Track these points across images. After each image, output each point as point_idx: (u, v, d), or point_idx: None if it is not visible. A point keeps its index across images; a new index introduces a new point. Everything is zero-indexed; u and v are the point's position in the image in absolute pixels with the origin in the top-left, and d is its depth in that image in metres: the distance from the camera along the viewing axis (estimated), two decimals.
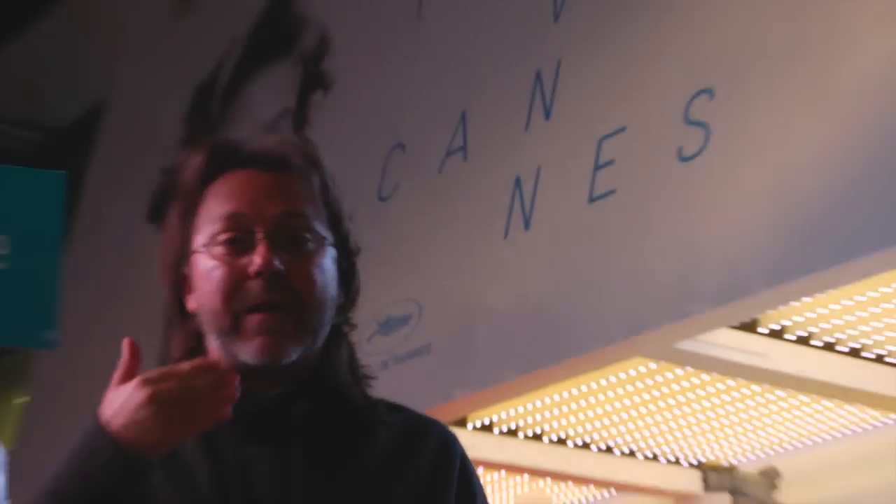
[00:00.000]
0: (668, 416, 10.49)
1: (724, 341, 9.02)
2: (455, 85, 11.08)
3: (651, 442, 10.99)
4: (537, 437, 10.63)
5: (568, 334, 9.19)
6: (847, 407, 10.03)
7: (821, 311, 8.83)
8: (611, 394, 10.08)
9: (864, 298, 8.61)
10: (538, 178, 9.80)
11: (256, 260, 2.37)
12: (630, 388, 9.98)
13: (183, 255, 2.52)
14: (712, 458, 11.13)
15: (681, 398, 10.19)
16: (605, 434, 10.85)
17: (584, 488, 11.55)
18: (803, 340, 9.18)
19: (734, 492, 10.90)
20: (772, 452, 10.94)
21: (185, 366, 2.32)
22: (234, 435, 2.40)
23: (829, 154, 7.95)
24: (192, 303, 2.55)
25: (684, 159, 8.79)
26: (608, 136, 9.36)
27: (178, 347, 2.59)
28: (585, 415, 10.54)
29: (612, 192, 9.20)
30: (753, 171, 8.35)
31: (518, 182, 9.87)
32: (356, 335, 2.70)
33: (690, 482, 11.23)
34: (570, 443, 10.88)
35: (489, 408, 10.13)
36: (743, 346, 9.11)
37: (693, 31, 9.24)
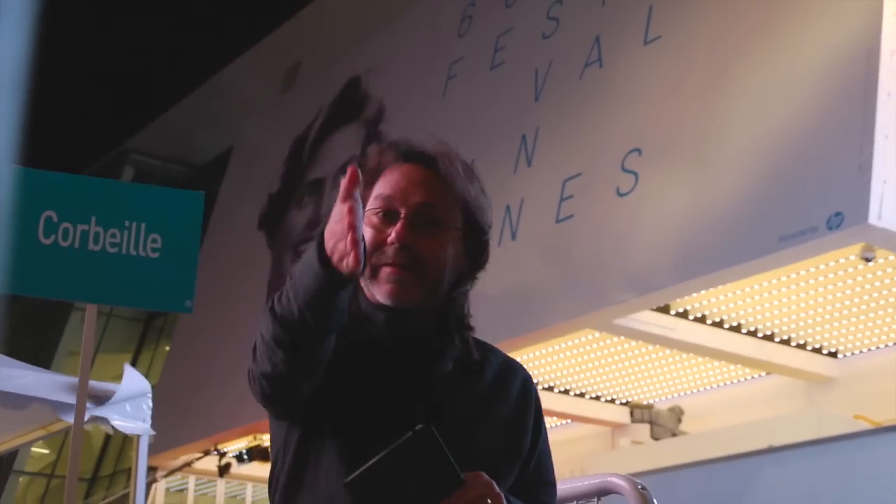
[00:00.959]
0: (607, 369, 10.50)
1: (646, 319, 9.06)
2: (468, 142, 11.11)
3: (594, 387, 11.01)
4: None
5: (540, 312, 9.25)
6: (729, 366, 10.06)
7: (712, 299, 8.86)
8: (568, 353, 10.11)
9: (740, 291, 8.65)
10: (522, 206, 9.87)
11: (393, 234, 2.24)
12: (581, 349, 10.01)
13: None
14: (637, 399, 11.13)
15: (616, 357, 10.21)
16: (564, 381, 10.87)
17: (550, 418, 11.55)
18: (700, 320, 9.22)
19: (651, 423, 10.84)
20: (678, 395, 10.93)
21: (337, 205, 2.15)
22: (392, 340, 2.26)
23: (715, 197, 8.01)
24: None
25: (621, 195, 8.85)
26: (570, 178, 9.43)
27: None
28: (551, 367, 10.58)
29: (571, 216, 9.27)
30: (666, 206, 8.42)
31: (508, 209, 9.93)
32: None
33: (621, 415, 11.24)
34: (539, 387, 10.89)
35: None
36: (659, 323, 9.15)
37: (628, 109, 9.30)
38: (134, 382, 5.46)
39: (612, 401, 11.24)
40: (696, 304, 9.00)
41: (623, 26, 9.79)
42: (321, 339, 2.11)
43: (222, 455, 13.50)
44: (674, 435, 10.55)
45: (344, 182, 2.03)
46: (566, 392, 11.05)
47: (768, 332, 9.33)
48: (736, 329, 9.30)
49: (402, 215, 2.25)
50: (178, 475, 14.91)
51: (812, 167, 7.38)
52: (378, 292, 2.23)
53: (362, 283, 2.28)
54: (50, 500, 19.14)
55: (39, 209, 3.20)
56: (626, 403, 11.20)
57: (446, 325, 2.30)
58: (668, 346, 9.55)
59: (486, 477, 2.04)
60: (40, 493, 20.09)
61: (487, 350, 2.38)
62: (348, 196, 1.99)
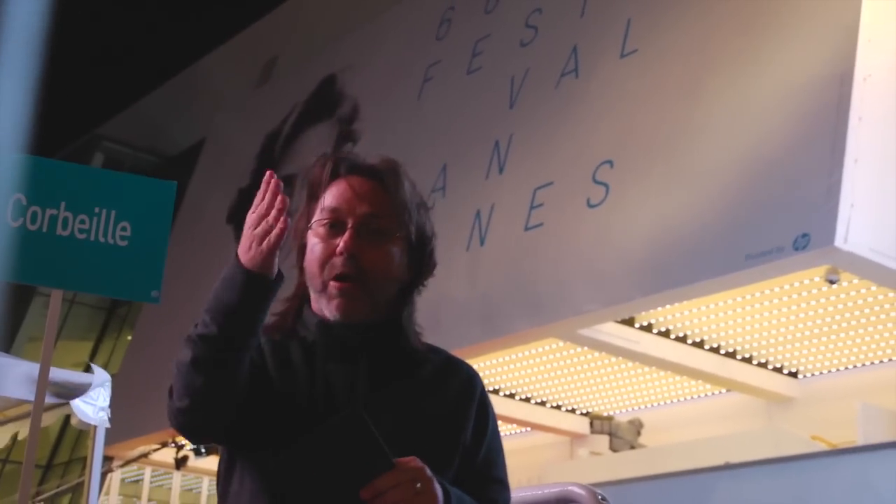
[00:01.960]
0: (569, 379, 10.52)
1: (610, 331, 9.09)
2: (441, 145, 11.13)
3: (555, 396, 11.04)
4: None
5: (504, 319, 9.25)
6: (690, 381, 10.11)
7: (676, 314, 8.91)
8: (532, 361, 10.13)
9: (704, 307, 8.70)
10: (492, 211, 9.87)
11: (341, 244, 2.28)
12: (544, 358, 10.04)
13: (304, 228, 2.43)
14: (597, 410, 11.16)
15: (578, 368, 10.24)
16: (525, 388, 10.89)
17: (510, 425, 11.57)
18: (664, 334, 9.27)
19: (611, 434, 10.85)
20: (638, 408, 10.96)
21: (264, 203, 2.29)
22: (323, 354, 2.30)
23: (684, 212, 8.04)
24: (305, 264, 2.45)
25: (591, 206, 8.88)
26: (540, 187, 9.45)
27: (293, 290, 2.49)
28: (513, 374, 10.58)
29: (541, 224, 9.29)
30: (636, 219, 8.45)
31: (478, 214, 9.94)
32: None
33: (581, 425, 11.25)
34: (501, 393, 10.94)
35: None
36: (623, 335, 9.17)
37: (602, 121, 9.33)
38: (95, 374, 5.45)
39: (573, 411, 11.26)
40: (661, 318, 9.04)
41: (601, 38, 9.83)
42: (238, 355, 2.18)
43: (180, 447, 13.43)
44: (633, 447, 10.58)
45: (270, 190, 2.16)
46: (527, 400, 11.07)
47: (731, 350, 9.38)
48: (699, 345, 9.35)
49: (350, 226, 2.34)
50: (135, 466, 14.83)
51: (781, 187, 7.43)
52: (327, 308, 2.31)
53: (312, 298, 2.35)
54: (3, 486, 18.98)
55: (8, 192, 3.19)
56: (587, 414, 11.22)
57: (387, 333, 2.37)
58: (630, 358, 9.59)
59: (419, 462, 2.09)
60: None
61: (431, 351, 2.44)
62: (274, 199, 2.19)
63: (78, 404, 5.40)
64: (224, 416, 2.26)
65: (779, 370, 9.63)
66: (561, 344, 9.55)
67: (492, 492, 2.32)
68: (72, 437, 19.29)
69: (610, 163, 8.82)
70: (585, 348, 9.56)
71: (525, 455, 11.29)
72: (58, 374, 5.19)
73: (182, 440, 13.32)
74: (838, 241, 6.81)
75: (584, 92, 9.68)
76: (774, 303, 8.44)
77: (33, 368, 4.75)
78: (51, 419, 5.98)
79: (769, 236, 7.25)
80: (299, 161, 13.82)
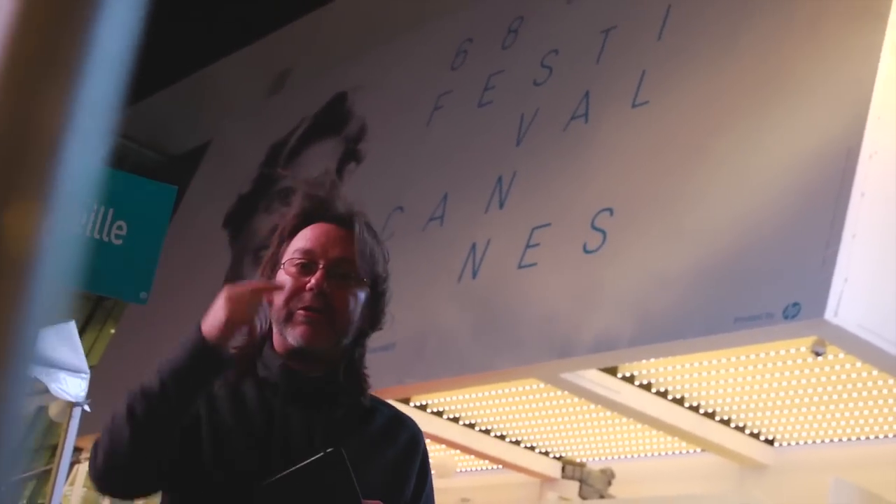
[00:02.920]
0: (546, 421, 10.51)
1: (592, 378, 9.08)
2: (444, 174, 11.16)
3: (530, 436, 11.01)
4: (455, 420, 10.64)
5: (487, 354, 9.24)
6: (666, 437, 10.10)
7: (660, 368, 8.91)
8: (511, 400, 10.12)
9: (689, 365, 8.71)
10: (487, 246, 9.88)
11: (312, 281, 2.45)
12: (523, 398, 10.03)
13: (274, 265, 2.54)
14: (570, 455, 11.14)
15: (556, 411, 10.23)
16: (501, 426, 10.87)
17: (482, 461, 11.54)
18: (645, 387, 9.26)
19: (582, 481, 10.83)
20: (611, 458, 10.94)
21: (255, 282, 2.42)
22: (281, 397, 2.40)
23: (678, 267, 8.05)
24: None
25: (587, 252, 8.89)
26: (538, 226, 9.46)
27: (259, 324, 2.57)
28: (490, 411, 10.58)
29: (535, 264, 9.30)
30: (629, 269, 8.47)
31: (474, 247, 9.95)
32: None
33: (553, 469, 11.22)
34: (477, 428, 10.91)
35: (427, 394, 10.18)
36: (604, 384, 9.16)
37: (606, 168, 9.34)
38: (79, 358, 5.45)
39: (546, 453, 11.24)
40: (644, 371, 9.04)
41: (614, 86, 9.87)
42: (173, 416, 2.28)
43: None
44: (602, 497, 10.55)
45: (269, 284, 2.31)
46: (502, 437, 11.04)
47: (710, 410, 9.38)
48: (679, 402, 9.34)
49: (321, 266, 2.47)
50: None
51: (777, 254, 7.44)
52: (291, 334, 2.44)
53: (275, 327, 2.47)
54: None
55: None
56: (560, 458, 11.20)
57: (340, 375, 2.49)
58: (610, 408, 9.58)
59: None
60: None
61: (379, 403, 2.58)
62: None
63: (56, 387, 5.39)
64: (144, 473, 2.36)
65: (756, 436, 9.63)
66: (542, 386, 9.55)
67: None
68: (43, 426, 19.18)
69: (610, 210, 8.85)
70: (566, 392, 9.54)
71: (494, 492, 11.26)
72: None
73: None
74: (828, 314, 6.81)
75: (592, 137, 9.71)
76: (758, 368, 8.45)
77: None
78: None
79: (760, 301, 7.26)
80: (302, 174, 13.82)
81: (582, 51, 10.63)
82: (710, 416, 9.43)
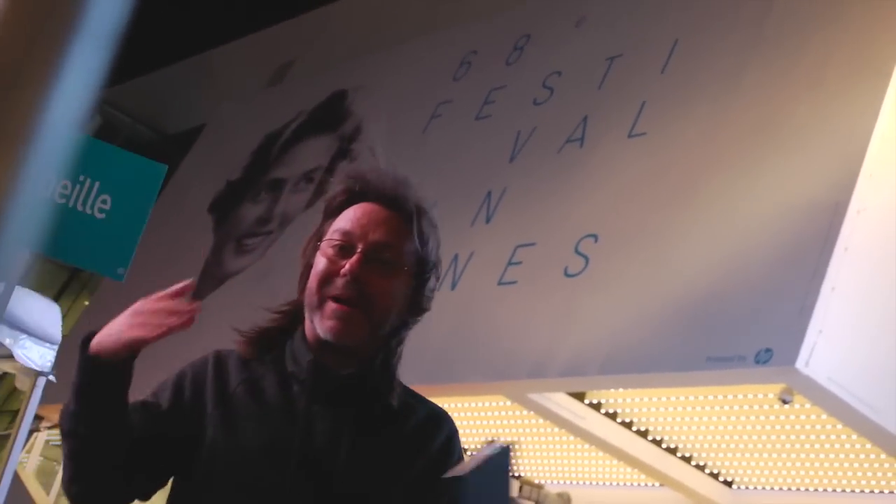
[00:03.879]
0: (508, 439, 10.47)
1: (559, 401, 9.05)
2: (434, 183, 11.13)
3: None
4: None
5: (457, 366, 9.23)
6: (626, 467, 10.09)
7: (628, 399, 8.91)
8: (476, 414, 10.09)
9: (656, 399, 8.71)
10: (470, 258, 9.87)
11: (347, 266, 2.29)
12: (488, 413, 10.01)
13: (315, 245, 2.41)
14: (529, 475, 11.11)
15: (521, 430, 10.21)
16: (462, 439, 10.80)
17: None
18: (611, 416, 9.24)
19: (537, 503, 10.80)
20: (569, 483, 10.91)
21: (167, 291, 2.22)
22: (307, 395, 2.30)
23: (656, 301, 8.07)
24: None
25: (568, 275, 8.89)
26: (522, 245, 9.47)
27: (286, 307, 2.47)
28: (455, 423, 10.51)
29: (515, 282, 9.30)
30: (607, 297, 8.47)
31: (456, 258, 9.93)
32: None
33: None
34: None
35: None
36: (571, 408, 9.14)
37: (595, 194, 9.35)
38: (53, 329, 5.43)
39: None
40: (611, 400, 9.04)
41: (613, 114, 9.89)
42: (95, 431, 2.16)
43: None
44: None
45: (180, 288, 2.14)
46: (464, 451, 10.99)
47: (672, 446, 9.38)
48: (643, 434, 9.33)
49: (359, 250, 2.29)
50: None
51: (755, 298, 7.45)
52: (320, 327, 2.27)
53: (307, 314, 2.31)
54: None
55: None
56: (518, 477, 11.16)
57: (374, 370, 2.32)
58: (573, 432, 9.55)
59: None
60: None
61: (413, 399, 2.40)
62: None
63: (21, 353, 5.36)
64: (103, 484, 2.25)
65: (715, 476, 9.63)
66: (508, 403, 9.52)
67: None
68: (5, 391, 19.08)
69: (595, 237, 8.85)
70: (531, 413, 9.52)
71: None
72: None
73: None
74: (799, 364, 6.82)
75: (585, 162, 9.72)
76: (725, 409, 8.46)
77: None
78: None
79: (734, 343, 7.26)
80: (293, 167, 13.81)
81: (585, 75, 10.65)
82: (672, 451, 9.43)
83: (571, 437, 9.82)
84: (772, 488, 9.50)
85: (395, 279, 2.37)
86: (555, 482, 10.98)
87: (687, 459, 9.50)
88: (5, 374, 5.72)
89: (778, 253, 7.54)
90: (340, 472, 2.19)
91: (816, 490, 9.21)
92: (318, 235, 2.42)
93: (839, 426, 8.08)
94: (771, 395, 7.81)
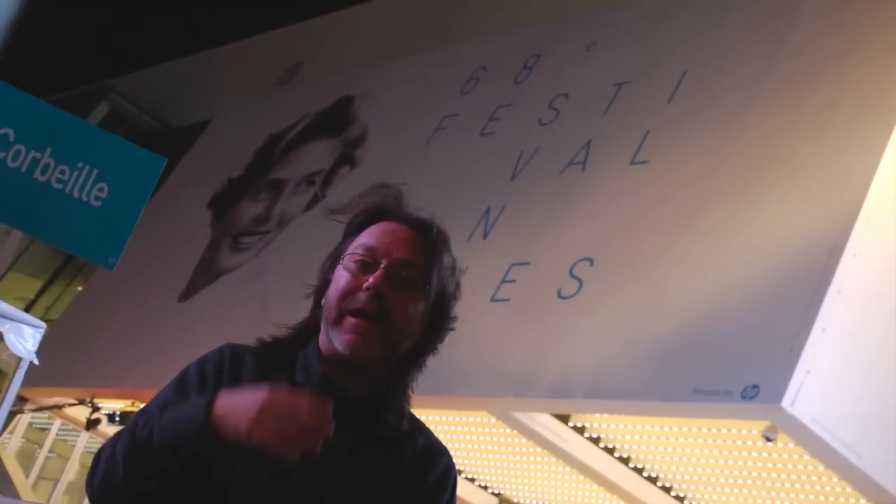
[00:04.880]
0: (490, 456, 10.44)
1: (543, 422, 9.03)
2: (434, 195, 11.04)
3: (473, 468, 10.95)
4: None
5: (443, 380, 9.15)
6: (605, 493, 10.03)
7: (612, 425, 8.87)
8: (459, 428, 10.05)
9: (640, 427, 8.68)
10: (464, 274, 9.81)
11: (370, 280, 2.26)
12: (471, 429, 9.97)
13: (335, 260, 2.39)
14: (508, 493, 11.08)
15: (503, 448, 10.17)
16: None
17: None
18: (594, 440, 9.21)
19: None
20: (548, 503, 10.93)
21: (306, 401, 2.09)
22: None
23: (647, 329, 8.04)
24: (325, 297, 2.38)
25: (560, 297, 8.87)
26: (517, 263, 9.44)
27: (301, 323, 2.43)
28: (438, 437, 10.48)
29: (507, 300, 9.27)
30: (598, 322, 8.44)
31: None
32: None
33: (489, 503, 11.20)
34: None
35: None
36: (554, 430, 9.11)
37: (593, 218, 9.32)
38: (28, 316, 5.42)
39: (485, 487, 11.18)
40: (596, 425, 9.01)
41: (616, 140, 9.88)
42: (162, 473, 2.11)
43: (95, 409, 13.25)
44: None
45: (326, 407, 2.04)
46: None
47: (653, 475, 9.35)
48: (624, 461, 9.31)
49: (382, 265, 2.27)
50: (46, 414, 14.63)
51: (745, 333, 7.44)
52: (338, 340, 2.25)
53: (323, 328, 2.29)
54: None
55: None
56: (497, 495, 11.15)
57: (384, 392, 2.31)
58: (555, 454, 9.53)
59: None
60: None
61: (416, 427, 2.38)
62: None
63: (10, 336, 5.34)
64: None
65: None
66: (493, 420, 9.48)
67: None
68: None
69: (590, 261, 8.83)
70: (515, 432, 9.49)
71: None
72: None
73: (99, 402, 13.15)
74: (785, 403, 6.81)
75: (586, 186, 9.71)
76: (708, 442, 8.43)
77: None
78: None
79: (722, 377, 7.25)
80: (295, 168, 13.80)
81: (591, 99, 10.65)
82: (653, 480, 9.40)
83: (553, 459, 9.79)
84: None
85: (415, 298, 2.34)
86: (533, 502, 10.95)
87: (667, 489, 9.47)
88: None
89: (771, 290, 7.52)
90: (331, 490, 2.17)
91: None
92: (337, 253, 2.40)
93: (821, 468, 8.06)
94: (755, 432, 7.79)
